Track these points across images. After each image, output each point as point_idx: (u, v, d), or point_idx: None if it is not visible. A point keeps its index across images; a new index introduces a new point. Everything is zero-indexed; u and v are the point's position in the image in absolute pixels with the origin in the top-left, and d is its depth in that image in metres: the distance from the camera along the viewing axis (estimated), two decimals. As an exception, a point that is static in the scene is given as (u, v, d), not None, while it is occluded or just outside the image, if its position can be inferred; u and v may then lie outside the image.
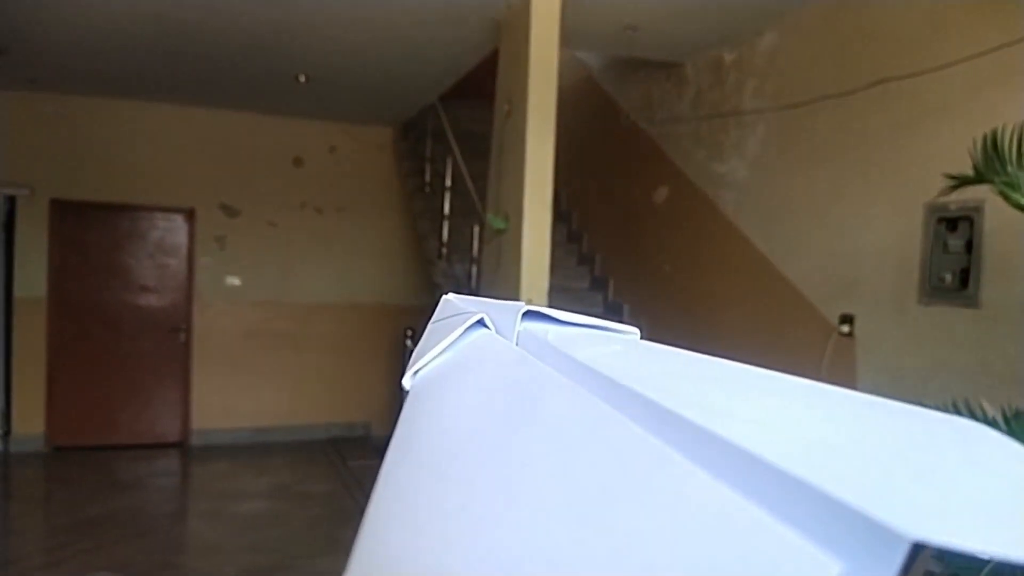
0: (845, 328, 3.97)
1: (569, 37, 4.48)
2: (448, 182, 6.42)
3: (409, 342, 6.53)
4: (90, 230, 7.05)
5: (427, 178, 7.13)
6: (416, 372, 0.53)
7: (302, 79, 6.16)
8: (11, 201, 6.81)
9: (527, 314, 0.54)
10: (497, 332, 0.54)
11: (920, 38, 3.56)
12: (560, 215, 6.93)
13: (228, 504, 5.73)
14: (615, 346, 0.48)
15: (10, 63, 5.75)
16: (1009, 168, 2.27)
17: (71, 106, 6.90)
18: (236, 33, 5.10)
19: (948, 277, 3.50)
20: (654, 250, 5.71)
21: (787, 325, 4.35)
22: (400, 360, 7.01)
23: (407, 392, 0.53)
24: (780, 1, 4.23)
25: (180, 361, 7.35)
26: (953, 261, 3.49)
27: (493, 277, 4.70)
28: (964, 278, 3.45)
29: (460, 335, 0.54)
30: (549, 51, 4.24)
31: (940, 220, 3.52)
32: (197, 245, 7.36)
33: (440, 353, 0.53)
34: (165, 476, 6.88)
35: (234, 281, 7.47)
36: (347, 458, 7.02)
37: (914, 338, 3.61)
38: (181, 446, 7.37)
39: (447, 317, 0.59)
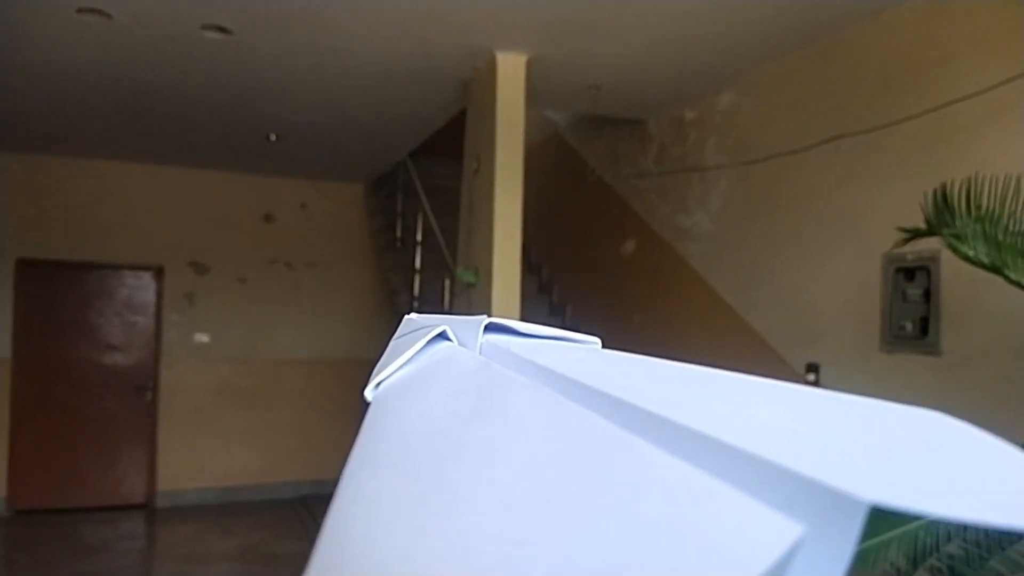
0: (811, 376, 4.03)
1: (535, 96, 4.60)
2: (419, 237, 6.48)
3: (381, 397, 6.48)
4: (57, 289, 6.98)
5: (398, 233, 7.18)
6: (378, 384, 0.52)
7: (272, 138, 6.22)
8: (-25, 261, 6.73)
9: (489, 327, 0.53)
10: (459, 344, 0.54)
11: (872, 96, 3.71)
12: (531, 267, 7.00)
13: (195, 568, 5.59)
14: (577, 353, 0.48)
15: (-22, 124, 5.75)
16: (958, 221, 2.36)
17: (39, 165, 6.89)
18: (206, 94, 5.16)
19: (908, 326, 3.58)
20: (624, 301, 5.78)
21: (754, 373, 4.40)
22: (372, 415, 6.93)
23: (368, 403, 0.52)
24: (736, 62, 4.38)
25: (146, 420, 7.22)
26: (912, 310, 3.58)
27: (464, 331, 4.72)
28: (924, 326, 3.53)
29: (422, 347, 0.53)
30: (516, 111, 4.34)
31: (898, 270, 3.62)
32: (166, 302, 7.30)
33: (402, 365, 0.52)
34: (131, 539, 6.69)
35: (202, 338, 7.40)
36: (317, 517, 6.88)
37: (877, 386, 3.68)
38: (147, 507, 7.19)
39: (408, 333, 0.58)
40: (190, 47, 4.26)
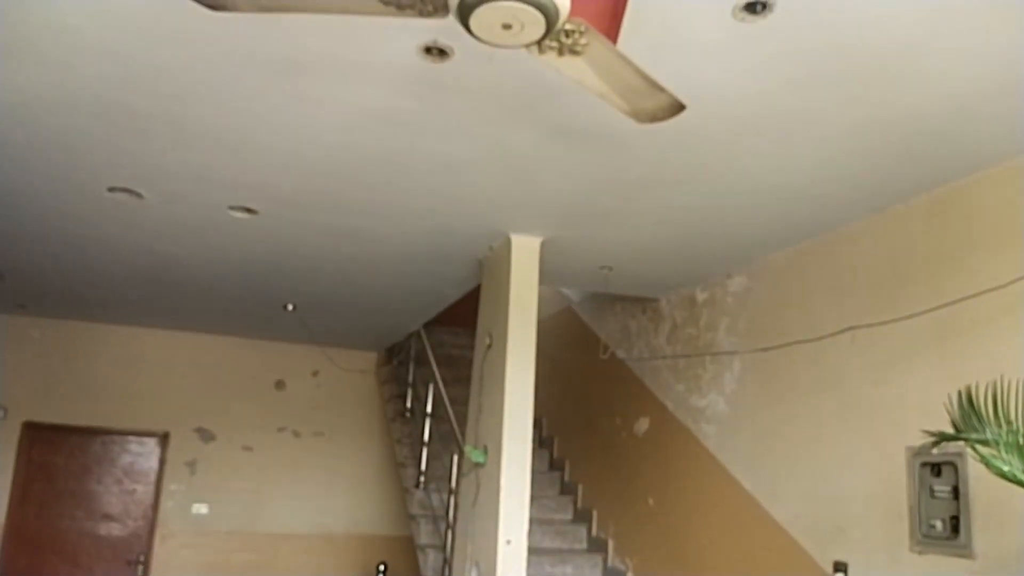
0: (839, 576, 3.79)
1: (548, 275, 4.67)
2: (429, 407, 6.39)
3: (381, 578, 6.15)
4: (59, 454, 6.86)
5: (408, 403, 7.09)
6: None
7: (289, 308, 6.31)
8: (-19, 423, 6.67)
9: None
10: None
11: (882, 288, 3.73)
12: (542, 441, 6.84)
13: None
14: None
15: (4, 289, 5.88)
16: (988, 429, 2.27)
17: (56, 330, 6.98)
18: (229, 267, 5.29)
19: (938, 524, 3.39)
20: (637, 482, 5.58)
21: (779, 570, 4.14)
22: (371, 598, 6.55)
23: None
24: (745, 250, 4.47)
25: (135, 597, 6.84)
26: (941, 507, 3.40)
27: (471, 511, 4.53)
28: (955, 525, 3.34)
29: None
30: (529, 291, 4.40)
31: (924, 465, 3.48)
32: (167, 470, 7.13)
33: None
34: None
35: (201, 509, 7.15)
36: None
37: (911, 590, 3.43)
38: None
39: None
40: (216, 225, 4.41)
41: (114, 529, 6.91)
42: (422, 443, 6.33)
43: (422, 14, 1.72)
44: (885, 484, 3.62)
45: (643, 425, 5.63)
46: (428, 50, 2.52)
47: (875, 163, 3.25)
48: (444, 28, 2.25)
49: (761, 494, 4.38)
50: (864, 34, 2.34)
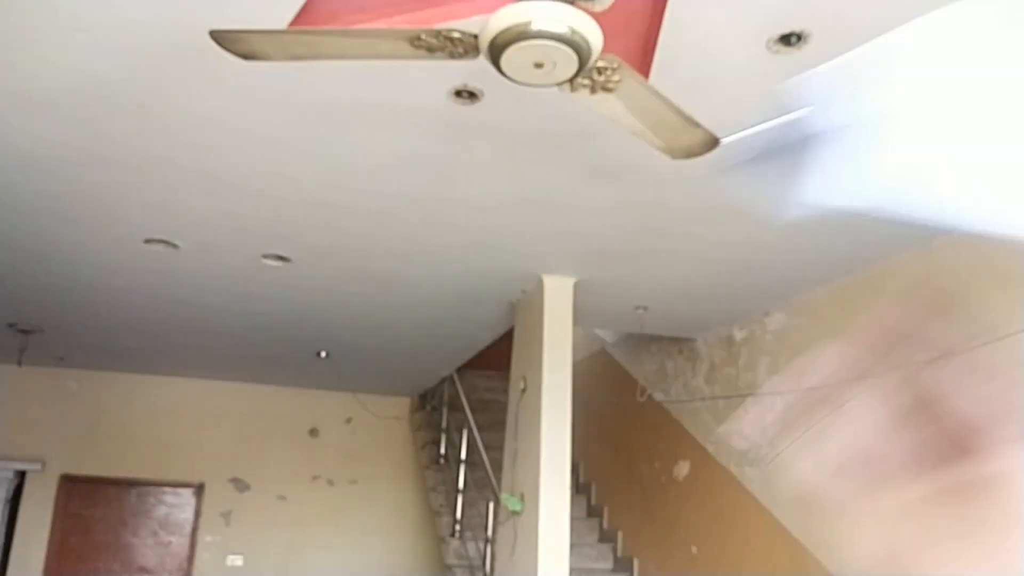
0: (897, 627, 3.59)
1: (581, 316, 4.61)
2: (463, 454, 6.29)
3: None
4: (96, 507, 6.87)
5: (442, 450, 7.00)
6: None
7: (323, 355, 6.30)
8: (21, 476, 6.71)
9: None
10: None
11: (926, 324, 3.60)
12: (579, 487, 6.69)
13: None
14: None
15: (42, 342, 5.95)
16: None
17: (92, 381, 7.05)
18: (263, 315, 5.31)
19: None
20: (679, 528, 5.40)
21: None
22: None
23: None
24: (784, 286, 4.36)
25: (169, 653, 6.77)
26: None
27: (509, 561, 4.41)
28: None
29: None
30: (563, 333, 4.33)
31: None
32: (202, 522, 7.09)
33: None
34: None
35: (236, 561, 7.08)
36: None
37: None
38: None
39: None
40: (250, 274, 4.43)
41: (149, 582, 6.87)
42: (457, 490, 6.22)
43: (452, 56, 1.70)
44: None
45: (683, 469, 5.48)
46: (458, 93, 2.51)
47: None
48: (474, 70, 2.24)
49: (810, 541, 4.21)
50: (903, 63, 2.29)
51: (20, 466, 6.67)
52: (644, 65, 1.95)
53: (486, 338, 5.72)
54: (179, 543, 7.04)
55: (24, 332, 5.70)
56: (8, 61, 2.42)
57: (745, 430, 4.86)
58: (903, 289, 3.77)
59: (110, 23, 2.22)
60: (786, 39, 2.16)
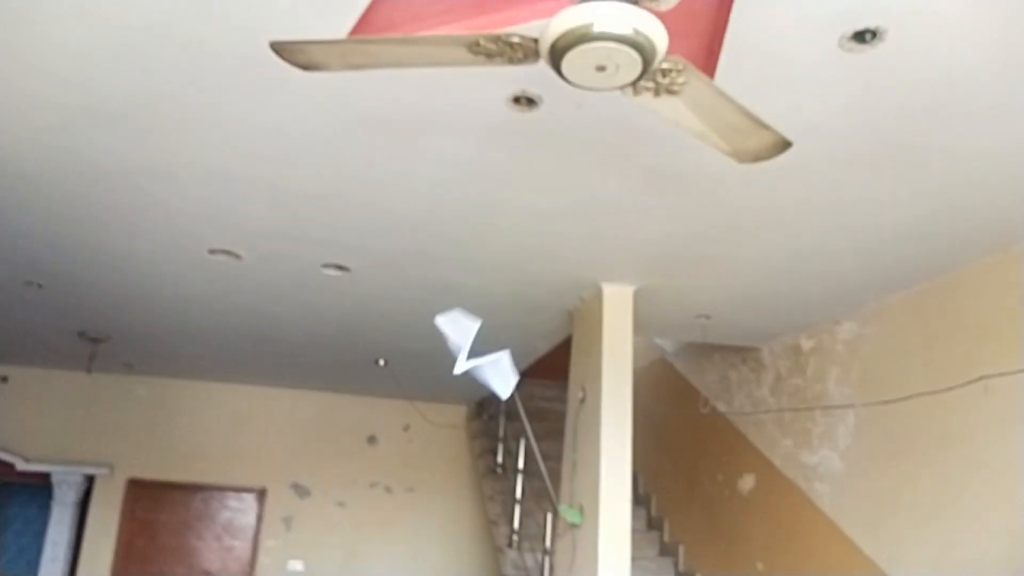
0: (979, 655, 3.40)
1: (641, 325, 4.51)
2: (520, 463, 6.23)
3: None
4: (162, 511, 7.03)
5: (499, 458, 6.95)
6: None
7: (381, 363, 6.33)
8: (90, 480, 6.91)
9: None
10: None
11: (1016, 333, 3.40)
12: (638, 499, 6.56)
13: None
14: None
15: (111, 350, 6.13)
16: None
17: (159, 388, 7.22)
18: (323, 324, 5.35)
19: (1097, 598, 3.01)
20: (744, 543, 5.25)
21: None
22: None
23: None
24: (856, 293, 4.20)
25: (232, 656, 6.87)
26: (1099, 579, 3.02)
27: (567, 574, 4.34)
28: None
29: None
30: (623, 341, 4.25)
31: (1074, 529, 3.12)
32: (264, 527, 7.20)
33: None
34: None
35: (297, 566, 7.16)
36: None
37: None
38: None
39: None
40: (311, 283, 4.47)
41: (213, 586, 7.00)
42: (514, 500, 6.17)
43: (512, 61, 1.66)
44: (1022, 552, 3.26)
45: (748, 483, 5.32)
46: (517, 100, 2.48)
47: (997, 197, 3.00)
48: (532, 77, 2.20)
49: (884, 559, 4.03)
50: (980, 58, 2.15)
51: (89, 470, 6.86)
52: (709, 66, 1.87)
53: (544, 347, 5.66)
54: (242, 547, 7.15)
55: (93, 340, 5.87)
56: (79, 79, 2.48)
57: (814, 444, 4.69)
58: (988, 296, 3.58)
59: (173, 38, 2.25)
60: (860, 36, 2.06)
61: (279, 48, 1.69)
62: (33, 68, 2.44)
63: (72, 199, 3.44)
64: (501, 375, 3.42)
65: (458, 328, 3.30)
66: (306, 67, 1.76)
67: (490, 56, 1.64)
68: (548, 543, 5.12)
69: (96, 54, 2.34)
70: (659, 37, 1.52)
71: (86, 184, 3.28)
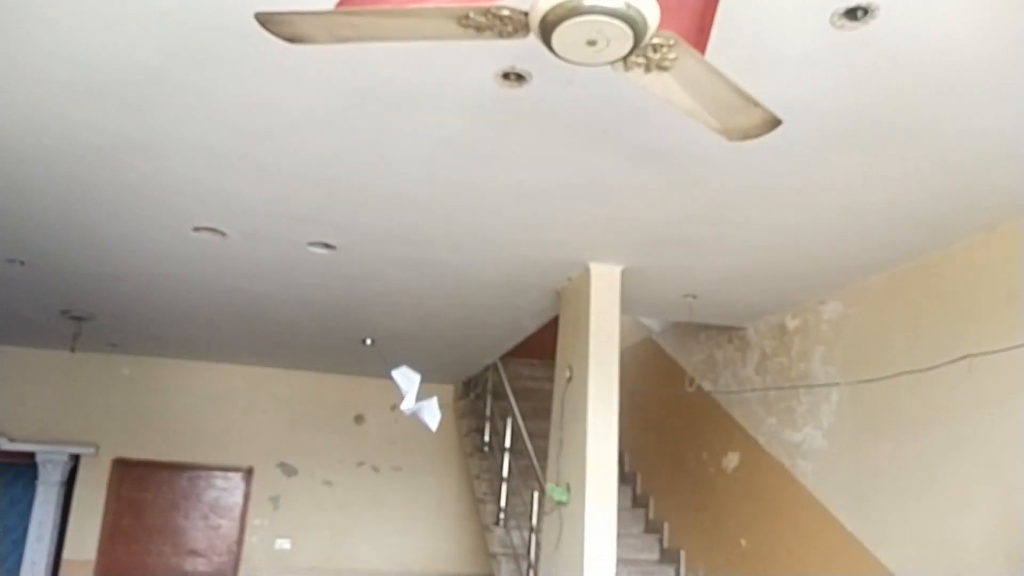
0: (959, 629, 3.46)
1: (629, 304, 4.53)
2: (507, 442, 6.26)
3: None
4: (148, 490, 7.02)
5: (486, 437, 6.98)
6: None
7: (368, 342, 6.32)
8: (75, 459, 6.88)
9: None
10: None
11: (998, 312, 3.44)
12: (624, 477, 6.61)
13: None
14: None
15: (95, 328, 6.08)
16: None
17: (144, 367, 7.18)
18: (309, 302, 5.33)
19: (1073, 572, 3.07)
20: (728, 521, 5.30)
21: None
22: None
23: None
24: (841, 273, 4.22)
25: (219, 634, 6.89)
26: (1076, 553, 3.08)
27: (553, 551, 4.37)
28: (1092, 573, 3.02)
29: None
30: (610, 321, 4.26)
31: (1052, 505, 3.17)
32: (251, 506, 7.20)
33: None
34: None
35: (284, 544, 7.18)
36: None
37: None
38: None
39: None
40: (297, 261, 4.44)
41: (200, 564, 7.00)
42: (501, 479, 6.20)
43: (502, 35, 1.64)
44: (1006, 525, 3.31)
45: (733, 460, 5.37)
46: (506, 76, 2.45)
47: (986, 177, 3.01)
48: (522, 52, 2.18)
49: (866, 536, 4.09)
50: (971, 37, 2.15)
51: (74, 450, 6.83)
52: (700, 42, 1.86)
53: (530, 326, 5.67)
54: (228, 526, 7.16)
55: (77, 319, 5.82)
56: (61, 52, 2.43)
57: (798, 422, 4.73)
58: (972, 275, 3.61)
59: (156, 9, 2.20)
60: (852, 13, 2.05)
61: (264, 19, 1.66)
62: (15, 39, 2.38)
63: (54, 175, 3.39)
64: (431, 414, 4.76)
65: (404, 378, 4.56)
66: (292, 39, 1.73)
67: (480, 29, 1.62)
68: (535, 521, 5.15)
69: (80, 26, 2.29)
70: (651, 11, 1.51)
71: (68, 160, 3.23)
